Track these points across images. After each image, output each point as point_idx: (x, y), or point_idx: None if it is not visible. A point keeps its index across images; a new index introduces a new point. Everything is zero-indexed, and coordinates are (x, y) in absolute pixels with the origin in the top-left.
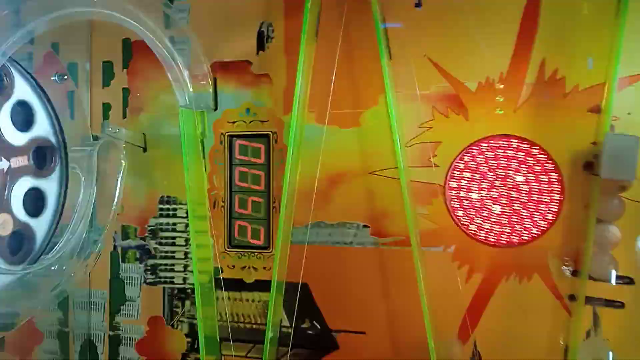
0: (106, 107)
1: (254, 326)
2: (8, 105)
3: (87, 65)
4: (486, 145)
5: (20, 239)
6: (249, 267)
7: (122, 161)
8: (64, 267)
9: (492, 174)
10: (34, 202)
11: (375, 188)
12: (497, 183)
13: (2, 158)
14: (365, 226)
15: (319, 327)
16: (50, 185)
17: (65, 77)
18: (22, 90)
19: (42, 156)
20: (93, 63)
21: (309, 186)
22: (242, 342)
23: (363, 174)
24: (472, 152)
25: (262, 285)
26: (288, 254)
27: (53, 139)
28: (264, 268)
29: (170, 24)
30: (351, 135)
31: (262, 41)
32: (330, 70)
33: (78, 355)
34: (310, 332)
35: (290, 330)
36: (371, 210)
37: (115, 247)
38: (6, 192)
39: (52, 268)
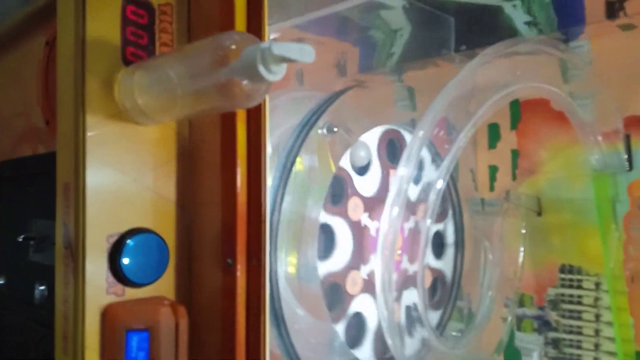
0: (492, 169)
1: None
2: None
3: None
4: None
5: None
6: None
7: (523, 229)
8: (472, 341)
9: None
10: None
11: None
12: None
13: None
14: None
15: None
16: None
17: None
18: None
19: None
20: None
21: None
22: None
23: None
24: None
25: None
26: None
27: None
28: None
29: (569, 78)
30: None
31: None
32: None
33: None
34: None
35: None
36: None
37: None
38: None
39: (464, 341)
